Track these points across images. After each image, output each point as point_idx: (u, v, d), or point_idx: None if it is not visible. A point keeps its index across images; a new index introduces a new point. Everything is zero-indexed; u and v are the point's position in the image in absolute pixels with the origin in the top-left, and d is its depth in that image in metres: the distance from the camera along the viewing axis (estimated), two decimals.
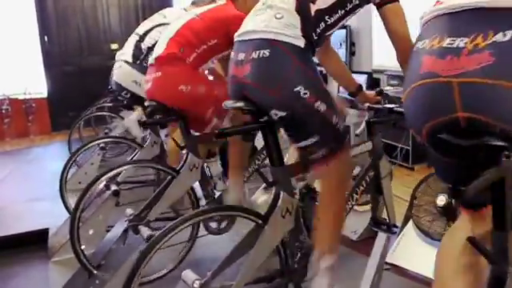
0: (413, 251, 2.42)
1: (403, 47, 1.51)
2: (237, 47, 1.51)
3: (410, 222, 2.52)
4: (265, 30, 1.41)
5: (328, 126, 1.45)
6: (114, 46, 7.12)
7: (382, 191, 1.94)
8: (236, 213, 1.54)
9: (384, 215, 2.07)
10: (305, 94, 1.37)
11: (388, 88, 4.62)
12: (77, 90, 6.62)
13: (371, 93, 2.05)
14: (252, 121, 1.52)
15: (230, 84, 1.54)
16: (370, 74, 5.07)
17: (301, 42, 1.39)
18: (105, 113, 4.93)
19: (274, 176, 1.59)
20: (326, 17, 1.43)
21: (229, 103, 1.50)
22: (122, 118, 4.39)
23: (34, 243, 2.89)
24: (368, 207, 2.17)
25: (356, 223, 2.63)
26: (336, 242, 1.65)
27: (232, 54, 1.54)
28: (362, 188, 1.87)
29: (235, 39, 1.54)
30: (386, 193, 1.95)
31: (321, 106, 1.41)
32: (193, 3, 2.51)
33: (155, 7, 7.22)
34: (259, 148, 2.61)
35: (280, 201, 1.58)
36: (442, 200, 2.34)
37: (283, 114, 1.40)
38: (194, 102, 2.16)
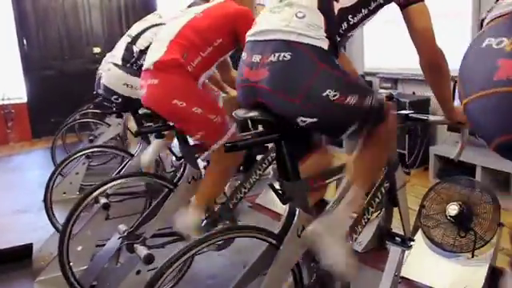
0: (423, 263, 2.32)
1: (428, 50, 1.40)
2: (250, 48, 1.37)
3: (419, 233, 2.41)
4: (285, 29, 1.27)
5: (362, 112, 1.34)
6: (97, 50, 6.96)
7: (398, 203, 1.82)
8: (250, 233, 1.40)
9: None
10: (334, 95, 1.25)
11: (381, 91, 4.55)
12: (58, 94, 6.44)
13: (381, 98, 1.93)
14: (265, 131, 1.38)
15: (241, 88, 1.40)
16: (361, 77, 5.00)
17: (324, 44, 1.26)
18: (89, 119, 4.76)
19: (289, 192, 1.45)
20: (350, 16, 1.31)
21: (240, 113, 1.35)
22: (108, 125, 4.23)
23: (16, 260, 2.71)
24: (373, 217, 2.06)
25: (361, 234, 2.52)
26: (369, 180, 1.60)
27: (243, 54, 1.40)
28: (377, 200, 1.75)
29: (247, 39, 1.40)
30: (402, 205, 1.83)
31: (352, 100, 1.29)
32: (189, 7, 2.35)
33: (138, 9, 7.08)
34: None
35: (296, 218, 1.44)
36: (454, 209, 2.25)
37: (313, 120, 1.27)
38: (185, 121, 1.98)
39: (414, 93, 4.46)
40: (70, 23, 6.96)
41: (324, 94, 1.24)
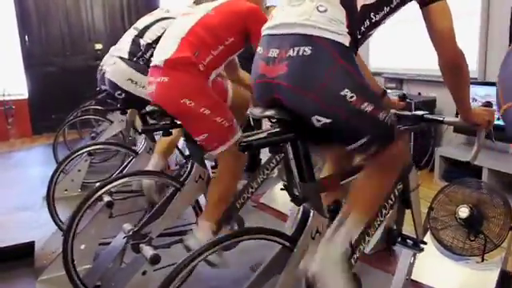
0: (432, 266, 2.28)
1: (448, 50, 1.35)
2: (267, 42, 1.32)
3: (428, 235, 2.38)
4: (305, 23, 1.22)
5: (376, 124, 1.30)
6: (98, 46, 6.91)
7: (411, 205, 1.78)
8: (263, 236, 1.36)
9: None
10: (351, 97, 1.21)
11: (389, 91, 4.50)
12: (59, 91, 6.41)
13: (394, 98, 1.90)
14: (281, 130, 1.34)
15: (257, 84, 1.35)
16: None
17: (346, 40, 1.21)
18: (91, 116, 4.72)
19: (303, 193, 1.41)
20: (372, 14, 1.27)
21: (256, 112, 1.31)
22: (110, 122, 4.19)
23: (18, 258, 2.66)
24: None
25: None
26: (371, 209, 1.51)
27: (259, 49, 1.35)
28: (391, 202, 1.71)
29: (264, 32, 1.35)
30: (415, 207, 1.80)
31: (368, 107, 1.25)
32: (194, 2, 2.30)
33: (141, 5, 7.04)
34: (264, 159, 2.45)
35: (310, 220, 1.41)
36: (464, 212, 2.22)
37: (328, 120, 1.23)
38: (191, 120, 1.96)
39: (419, 93, 4.42)
40: (71, 19, 6.91)
41: (341, 94, 1.20)
